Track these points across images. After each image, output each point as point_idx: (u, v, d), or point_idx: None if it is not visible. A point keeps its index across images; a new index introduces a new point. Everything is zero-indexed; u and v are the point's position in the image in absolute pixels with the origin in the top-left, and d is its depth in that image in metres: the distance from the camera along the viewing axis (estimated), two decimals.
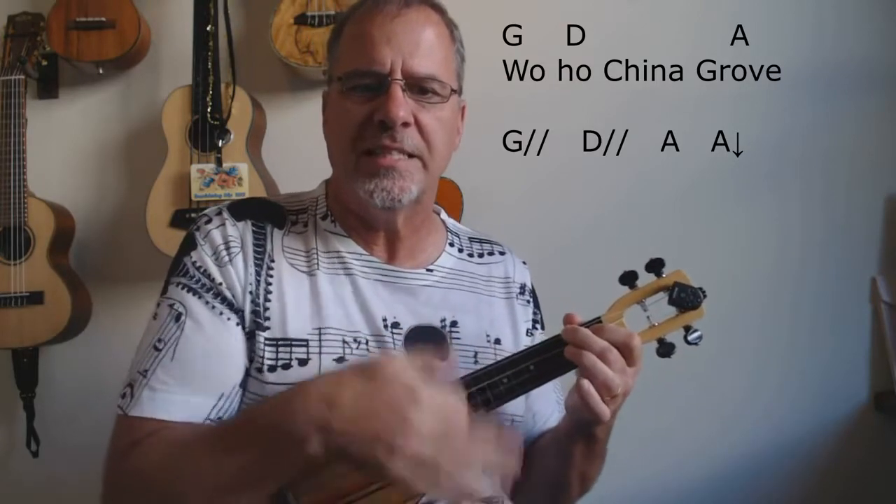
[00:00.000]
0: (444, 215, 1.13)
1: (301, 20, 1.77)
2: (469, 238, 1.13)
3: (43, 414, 1.82)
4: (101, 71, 1.84)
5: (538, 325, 1.13)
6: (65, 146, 1.92)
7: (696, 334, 0.92)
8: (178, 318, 0.89)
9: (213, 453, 0.79)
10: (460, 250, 1.09)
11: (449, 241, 1.08)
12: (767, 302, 1.94)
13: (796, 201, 1.95)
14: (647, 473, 1.90)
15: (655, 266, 0.93)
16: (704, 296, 0.92)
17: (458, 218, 1.82)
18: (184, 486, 0.79)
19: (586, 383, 0.84)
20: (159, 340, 0.89)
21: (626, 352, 0.87)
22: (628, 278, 0.93)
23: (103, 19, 1.78)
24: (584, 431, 0.95)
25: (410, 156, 0.92)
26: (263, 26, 1.80)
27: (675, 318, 0.92)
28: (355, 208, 0.97)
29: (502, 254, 1.13)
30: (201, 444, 0.81)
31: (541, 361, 0.88)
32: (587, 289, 1.78)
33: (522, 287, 1.12)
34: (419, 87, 0.92)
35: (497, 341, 1.03)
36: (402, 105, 0.89)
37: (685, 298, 0.91)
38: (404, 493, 0.79)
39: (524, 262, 1.16)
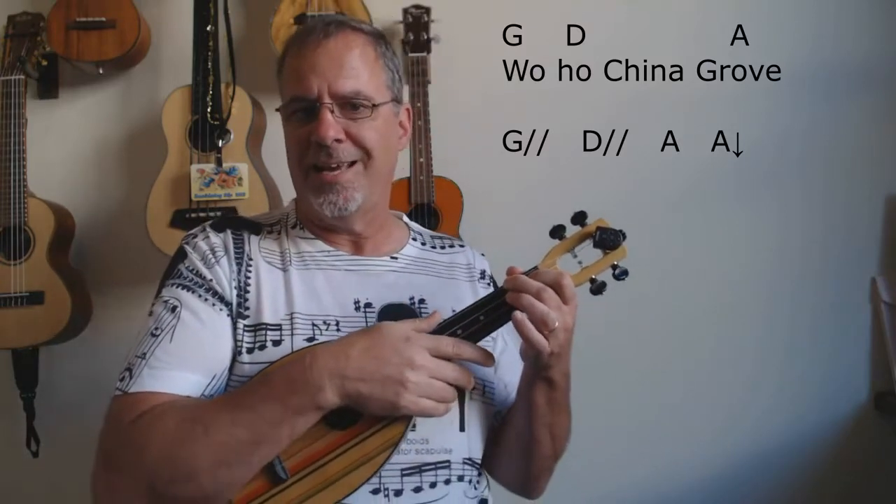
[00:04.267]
0: (405, 219, 1.23)
1: (301, 20, 1.76)
2: (430, 236, 1.23)
3: (43, 414, 1.82)
4: (101, 71, 1.84)
5: None
6: (65, 146, 1.92)
7: (620, 270, 1.01)
8: (173, 309, 0.98)
9: (232, 410, 0.88)
10: (423, 244, 1.19)
11: (412, 237, 1.18)
12: (767, 302, 1.94)
13: (796, 201, 1.96)
14: (648, 473, 1.90)
15: (580, 218, 1.04)
16: (624, 237, 1.01)
17: (457, 218, 1.82)
18: (196, 445, 0.86)
19: (519, 314, 0.93)
20: (156, 328, 0.97)
21: (559, 289, 0.95)
22: (557, 231, 1.03)
23: (103, 19, 1.78)
24: (540, 374, 1.00)
25: (351, 164, 1.03)
26: (263, 26, 1.80)
27: (602, 260, 1.02)
28: (316, 217, 1.08)
29: (462, 246, 1.24)
30: (217, 406, 0.90)
31: (489, 311, 0.97)
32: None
33: (483, 272, 1.22)
34: (349, 104, 1.02)
35: None
36: (331, 126, 1.00)
37: (607, 239, 1.01)
38: (388, 439, 0.93)
39: (482, 254, 1.26)
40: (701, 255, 1.92)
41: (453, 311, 1.07)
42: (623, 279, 1.00)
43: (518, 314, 0.93)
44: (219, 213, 1.72)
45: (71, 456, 1.82)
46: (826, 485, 1.91)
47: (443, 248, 1.20)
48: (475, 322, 0.97)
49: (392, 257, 1.12)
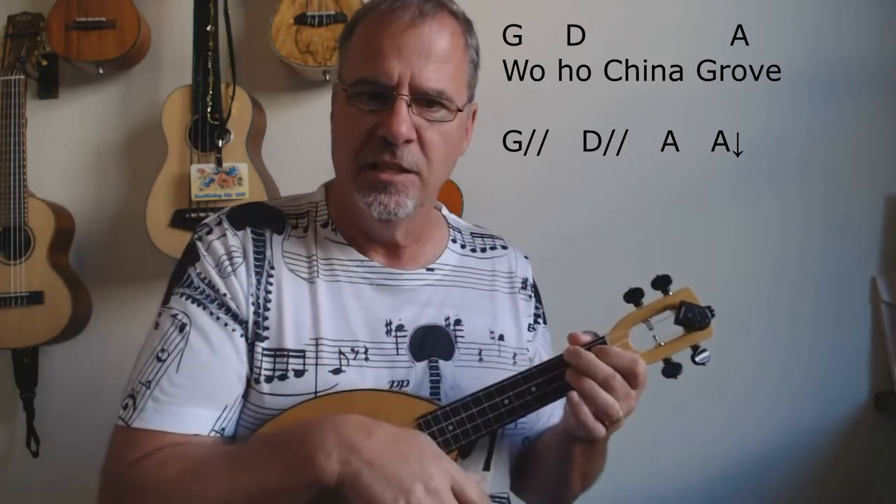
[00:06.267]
0: (444, 211, 1.13)
1: (301, 20, 1.77)
2: (471, 234, 1.13)
3: (43, 414, 1.82)
4: (101, 71, 1.84)
5: (539, 320, 1.13)
6: (65, 146, 1.92)
7: (703, 354, 0.88)
8: (182, 328, 0.89)
9: (232, 470, 0.80)
10: (462, 246, 1.09)
11: (451, 238, 1.08)
12: (767, 302, 1.94)
13: (796, 201, 1.95)
14: (648, 473, 1.90)
15: (662, 283, 0.90)
16: (712, 315, 0.88)
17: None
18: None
19: (576, 397, 0.84)
20: (162, 351, 0.88)
21: (631, 377, 0.85)
22: (634, 295, 0.90)
23: (103, 19, 1.78)
24: (585, 440, 0.94)
25: (409, 171, 0.91)
26: (263, 26, 1.80)
27: (682, 338, 0.89)
28: (355, 216, 0.97)
29: (504, 248, 1.13)
30: (219, 462, 0.82)
31: (542, 383, 0.87)
32: (587, 289, 1.80)
33: (524, 282, 1.12)
34: (427, 100, 0.90)
35: (501, 337, 1.04)
36: (406, 122, 0.88)
37: (693, 318, 0.88)
38: None
39: (526, 257, 1.16)
40: (701, 254, 1.92)
41: (490, 332, 1.02)
42: (704, 364, 0.87)
43: (575, 397, 0.83)
44: None
45: (71, 456, 1.83)
46: (826, 485, 1.91)
47: (483, 250, 1.10)
48: (526, 393, 0.86)
49: (428, 269, 1.02)
